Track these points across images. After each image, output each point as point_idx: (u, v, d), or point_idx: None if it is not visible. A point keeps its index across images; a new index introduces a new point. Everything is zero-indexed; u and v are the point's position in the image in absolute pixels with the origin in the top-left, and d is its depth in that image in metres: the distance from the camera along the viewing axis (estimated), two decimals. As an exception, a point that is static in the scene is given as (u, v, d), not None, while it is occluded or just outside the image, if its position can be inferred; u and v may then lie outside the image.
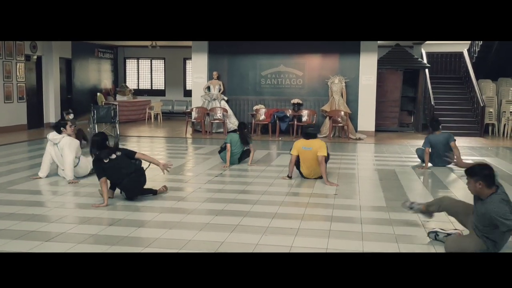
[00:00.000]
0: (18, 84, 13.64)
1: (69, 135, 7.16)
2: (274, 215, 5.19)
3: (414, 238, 4.51)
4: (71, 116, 10.32)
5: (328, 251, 4.12)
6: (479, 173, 3.98)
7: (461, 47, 16.78)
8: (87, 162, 6.98)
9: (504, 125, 13.95)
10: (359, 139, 12.81)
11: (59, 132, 7.13)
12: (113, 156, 5.69)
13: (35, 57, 14.48)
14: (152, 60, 19.83)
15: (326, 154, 6.89)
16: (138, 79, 20.10)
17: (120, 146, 5.86)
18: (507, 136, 13.68)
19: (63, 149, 6.89)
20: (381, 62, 14.05)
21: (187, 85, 19.16)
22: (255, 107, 13.76)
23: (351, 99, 13.63)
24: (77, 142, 7.18)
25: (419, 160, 8.67)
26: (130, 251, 4.09)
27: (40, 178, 6.97)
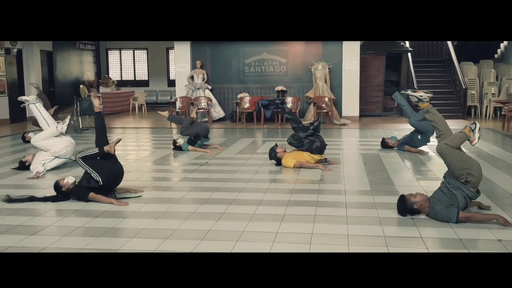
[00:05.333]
0: (-1, 78, 13.47)
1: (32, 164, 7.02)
2: (259, 202, 5.22)
3: (398, 221, 4.57)
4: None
5: (313, 236, 4.16)
6: None
7: (443, 30, 16.91)
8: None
9: (486, 106, 14.12)
10: (344, 124, 12.88)
11: (27, 167, 7.02)
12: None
13: (15, 50, 14.28)
14: (135, 51, 19.68)
15: (293, 165, 7.00)
16: (121, 70, 19.95)
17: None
18: (489, 117, 13.84)
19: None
20: (363, 47, 14.10)
21: (170, 75, 19.05)
22: (239, 95, 13.74)
23: (335, 84, 13.68)
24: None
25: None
26: (116, 242, 4.10)
27: None
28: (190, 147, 8.71)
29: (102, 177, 5.22)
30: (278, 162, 7.20)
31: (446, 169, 4.57)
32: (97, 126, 5.65)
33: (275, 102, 7.69)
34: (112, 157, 5.47)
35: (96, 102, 5.73)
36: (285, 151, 7.23)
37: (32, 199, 5.34)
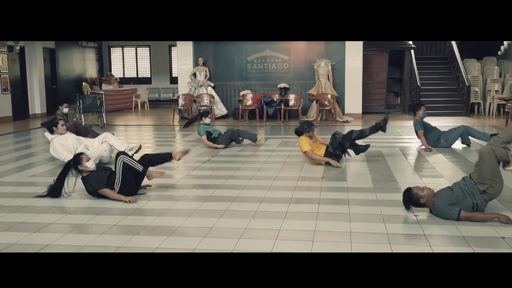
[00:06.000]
0: (2, 76, 13.48)
1: (61, 134, 7.10)
2: (262, 200, 5.22)
3: (401, 218, 4.56)
4: (66, 109, 10.03)
5: (316, 233, 4.16)
6: None
7: (446, 27, 16.89)
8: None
9: (490, 103, 14.07)
10: (346, 121, 12.86)
11: (51, 132, 7.09)
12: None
13: (17, 47, 14.28)
14: (137, 48, 19.67)
15: (305, 150, 6.96)
16: (123, 68, 19.95)
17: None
18: (492, 114, 13.80)
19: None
20: (366, 44, 14.06)
21: (173, 72, 19.05)
22: (241, 93, 13.74)
23: (338, 82, 13.65)
24: (61, 141, 7.08)
25: (406, 140, 8.73)
26: (118, 240, 4.10)
27: None
28: (204, 137, 8.69)
29: (119, 187, 5.24)
30: (298, 134, 7.15)
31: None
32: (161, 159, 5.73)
33: (382, 125, 7.41)
34: (140, 176, 5.46)
35: (178, 156, 5.72)
36: (311, 137, 7.13)
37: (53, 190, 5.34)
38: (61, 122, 7.26)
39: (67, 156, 6.63)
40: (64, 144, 6.98)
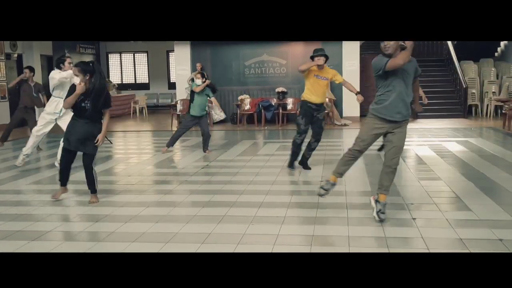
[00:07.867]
0: (0, 84, 13.48)
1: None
2: (260, 205, 5.22)
3: (399, 222, 4.56)
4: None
5: (314, 238, 4.16)
6: None
7: (443, 29, 16.96)
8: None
9: (487, 105, 14.10)
10: (345, 125, 12.88)
11: (59, 68, 7.28)
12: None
13: (15, 55, 14.30)
14: (135, 54, 19.70)
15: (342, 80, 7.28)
16: (121, 74, 19.97)
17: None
18: (490, 116, 13.83)
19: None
20: (363, 47, 14.10)
21: (171, 77, 19.07)
22: (239, 97, 13.76)
23: (335, 85, 13.64)
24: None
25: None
26: (117, 247, 4.09)
27: None
28: (196, 88, 8.99)
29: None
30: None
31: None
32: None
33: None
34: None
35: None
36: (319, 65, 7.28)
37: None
38: (68, 59, 7.37)
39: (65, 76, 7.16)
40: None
